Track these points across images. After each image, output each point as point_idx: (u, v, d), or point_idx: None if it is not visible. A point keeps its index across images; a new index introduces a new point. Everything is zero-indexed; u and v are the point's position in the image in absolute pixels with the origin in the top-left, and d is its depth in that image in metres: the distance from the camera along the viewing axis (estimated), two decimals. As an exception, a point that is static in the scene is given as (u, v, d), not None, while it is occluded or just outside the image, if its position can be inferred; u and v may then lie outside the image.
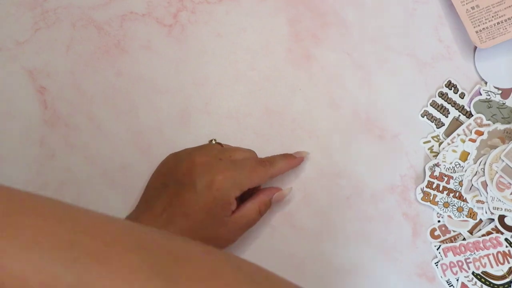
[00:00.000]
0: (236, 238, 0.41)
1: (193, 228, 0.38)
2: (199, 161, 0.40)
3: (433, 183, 0.46)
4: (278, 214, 0.45)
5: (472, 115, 0.46)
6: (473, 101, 0.47)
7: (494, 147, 0.46)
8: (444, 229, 0.45)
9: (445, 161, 0.46)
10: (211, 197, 0.39)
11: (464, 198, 0.45)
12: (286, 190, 0.44)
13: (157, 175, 0.43)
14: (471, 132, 0.46)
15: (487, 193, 0.45)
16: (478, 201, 0.45)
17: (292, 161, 0.44)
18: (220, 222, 0.39)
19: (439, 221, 0.46)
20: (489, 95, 0.46)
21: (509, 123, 0.46)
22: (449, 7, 0.47)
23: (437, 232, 0.46)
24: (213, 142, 0.45)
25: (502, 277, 0.45)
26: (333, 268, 0.45)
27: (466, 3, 0.46)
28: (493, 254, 0.45)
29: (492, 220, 0.45)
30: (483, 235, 0.45)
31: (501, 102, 0.46)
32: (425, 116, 0.47)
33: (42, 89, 0.47)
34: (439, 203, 0.45)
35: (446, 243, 0.45)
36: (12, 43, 0.47)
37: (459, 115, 0.47)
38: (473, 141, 0.46)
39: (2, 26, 0.48)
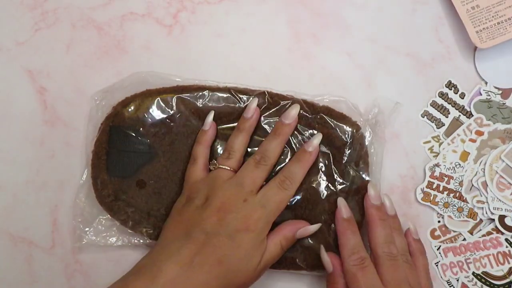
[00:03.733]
0: (259, 277, 0.40)
1: (227, 275, 0.37)
2: (224, 208, 0.38)
3: (433, 183, 0.46)
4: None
5: (472, 115, 0.46)
6: (473, 101, 0.47)
7: (494, 147, 0.46)
8: (444, 229, 0.45)
9: (445, 162, 0.46)
10: (246, 241, 0.38)
11: (465, 198, 0.45)
12: (314, 226, 0.41)
13: (175, 225, 0.40)
14: (471, 132, 0.46)
15: (487, 193, 0.45)
16: (478, 201, 0.45)
17: (307, 160, 0.42)
18: (252, 264, 0.38)
19: (439, 222, 0.46)
20: (489, 95, 0.46)
21: (509, 123, 0.46)
22: (449, 7, 0.47)
23: (437, 233, 0.46)
24: (213, 167, 0.42)
25: (502, 277, 0.45)
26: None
27: (466, 3, 0.46)
28: (493, 254, 0.45)
29: (492, 220, 0.45)
30: (483, 235, 0.45)
31: (501, 102, 0.46)
32: (425, 116, 0.47)
33: (42, 89, 0.47)
34: (439, 203, 0.45)
35: (446, 243, 0.45)
36: (12, 43, 0.47)
37: (459, 115, 0.47)
38: (473, 141, 0.46)
39: (2, 26, 0.48)
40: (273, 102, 0.44)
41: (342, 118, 0.44)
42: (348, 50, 0.48)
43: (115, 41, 0.47)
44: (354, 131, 0.43)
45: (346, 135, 0.43)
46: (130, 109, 0.43)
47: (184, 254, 0.37)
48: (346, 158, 0.43)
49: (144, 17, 0.48)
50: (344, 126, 0.44)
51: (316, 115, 0.44)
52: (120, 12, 0.48)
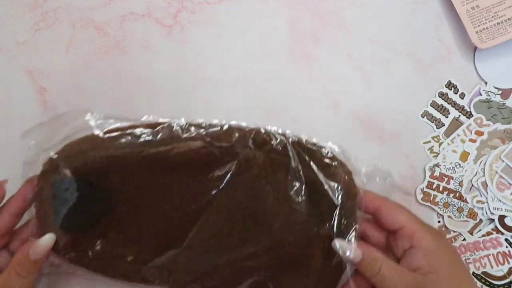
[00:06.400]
0: None
1: None
2: None
3: (433, 183, 0.46)
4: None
5: (472, 116, 0.46)
6: (473, 102, 0.47)
7: (494, 147, 0.46)
8: (444, 229, 0.45)
9: (445, 162, 0.46)
10: None
11: (464, 198, 0.45)
12: (46, 237, 0.37)
13: None
14: (471, 133, 0.46)
15: (487, 193, 0.45)
16: (478, 202, 0.45)
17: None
18: None
19: (439, 222, 0.46)
20: (489, 96, 0.46)
21: (509, 123, 0.46)
22: (449, 7, 0.47)
23: (437, 233, 0.46)
24: None
25: (502, 277, 0.45)
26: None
27: (466, 3, 0.46)
28: (493, 254, 0.45)
29: (492, 220, 0.45)
30: (483, 236, 0.45)
31: (501, 102, 0.46)
32: (425, 117, 0.47)
33: (42, 90, 0.47)
34: (439, 203, 0.45)
35: (446, 243, 0.45)
36: (12, 44, 0.48)
37: (459, 116, 0.47)
38: (473, 141, 0.46)
39: (2, 26, 0.48)
40: (263, 142, 0.40)
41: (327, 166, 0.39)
42: (348, 50, 0.48)
43: (115, 41, 0.47)
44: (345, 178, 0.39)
45: (334, 189, 0.38)
46: (72, 161, 0.38)
47: None
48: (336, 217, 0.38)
49: (144, 17, 0.48)
50: (332, 182, 0.39)
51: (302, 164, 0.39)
52: (120, 12, 0.48)
